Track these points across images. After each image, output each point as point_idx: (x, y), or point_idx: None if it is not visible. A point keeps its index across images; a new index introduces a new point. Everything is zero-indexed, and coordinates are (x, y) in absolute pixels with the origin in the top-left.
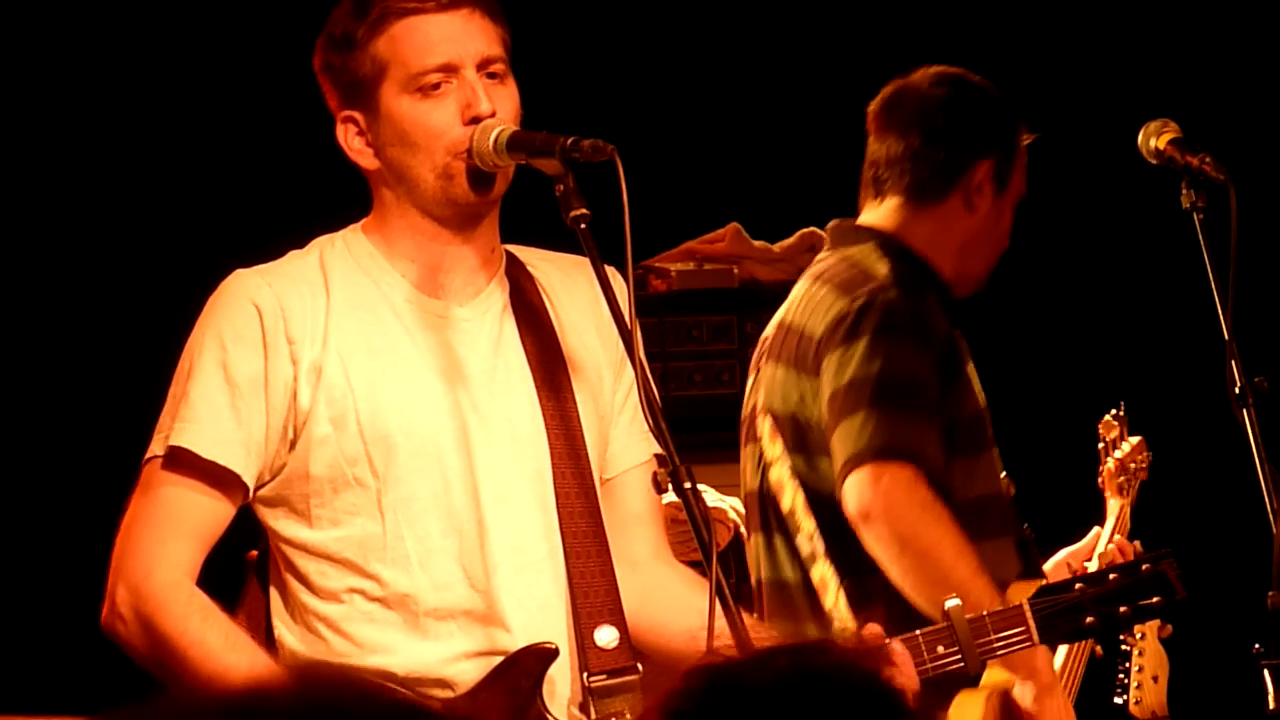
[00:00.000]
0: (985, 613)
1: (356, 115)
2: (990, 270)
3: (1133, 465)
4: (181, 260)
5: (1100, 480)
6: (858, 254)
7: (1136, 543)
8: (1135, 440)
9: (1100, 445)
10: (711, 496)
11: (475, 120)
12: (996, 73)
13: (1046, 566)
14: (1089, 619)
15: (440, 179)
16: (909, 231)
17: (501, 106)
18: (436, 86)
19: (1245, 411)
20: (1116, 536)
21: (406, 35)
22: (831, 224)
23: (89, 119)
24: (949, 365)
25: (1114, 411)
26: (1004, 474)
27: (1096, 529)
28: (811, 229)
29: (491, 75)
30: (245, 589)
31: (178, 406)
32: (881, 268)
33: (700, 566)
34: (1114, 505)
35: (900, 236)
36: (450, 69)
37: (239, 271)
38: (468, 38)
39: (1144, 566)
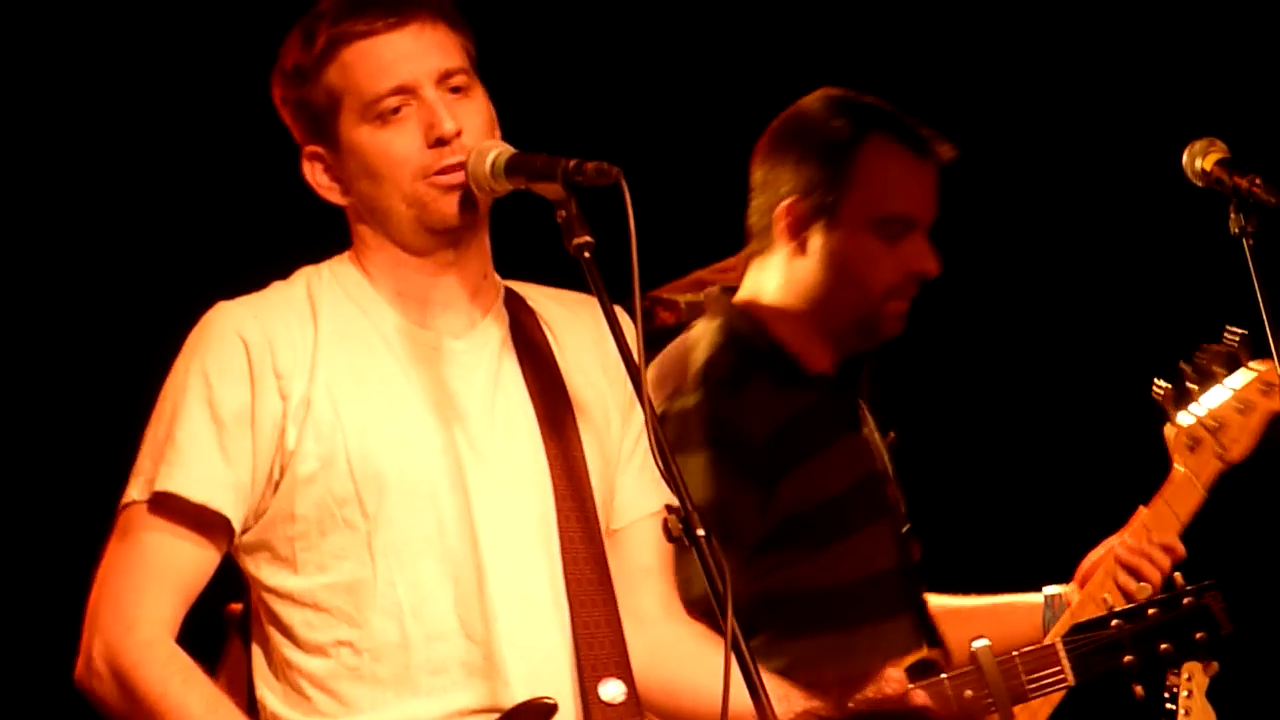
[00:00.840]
0: (1015, 653)
1: (320, 150)
2: (887, 306)
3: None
4: (158, 292)
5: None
6: (696, 334)
7: (1178, 574)
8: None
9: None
10: None
11: (440, 142)
12: (1032, 93)
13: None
14: (1127, 657)
15: (413, 207)
16: (760, 291)
17: (469, 122)
18: (396, 111)
19: None
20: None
21: (357, 61)
22: (712, 290)
23: (66, 144)
24: (785, 455)
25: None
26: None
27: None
28: None
29: (455, 90)
30: (226, 647)
31: (161, 449)
32: (699, 357)
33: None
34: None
35: (750, 301)
36: (406, 90)
37: (222, 304)
38: (421, 54)
39: (1186, 600)
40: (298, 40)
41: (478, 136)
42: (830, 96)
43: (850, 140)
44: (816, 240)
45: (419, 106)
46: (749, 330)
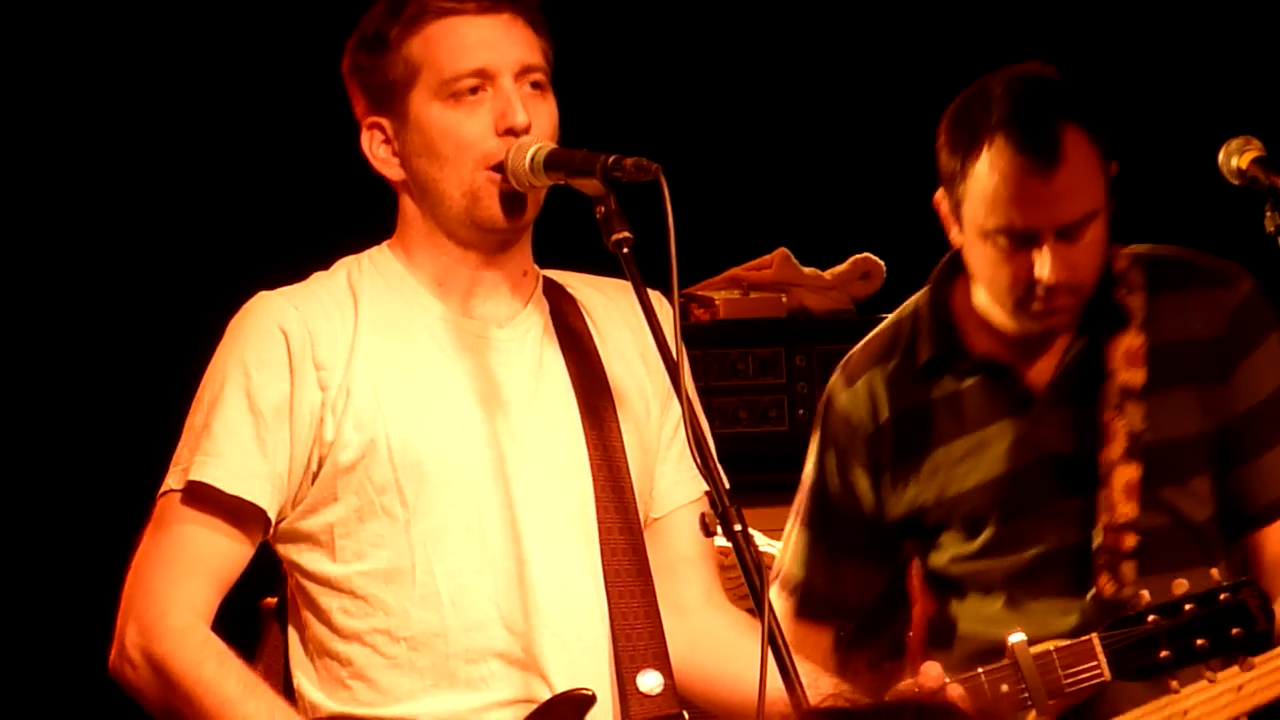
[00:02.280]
0: (1052, 648)
1: (383, 122)
2: (1015, 316)
3: None
4: (200, 282)
5: None
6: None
7: (1214, 570)
8: None
9: None
10: (760, 541)
11: (510, 132)
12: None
13: None
14: (1164, 653)
15: (466, 197)
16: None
17: (539, 121)
18: (473, 92)
19: None
20: None
21: (442, 37)
22: None
23: (108, 135)
24: (897, 448)
25: None
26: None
27: None
28: (865, 255)
29: (534, 85)
30: (264, 638)
31: (198, 438)
32: (871, 333)
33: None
34: None
35: (938, 277)
36: (486, 75)
37: (262, 294)
38: (507, 43)
39: (1222, 596)
40: (384, 8)
41: (544, 138)
42: (987, 79)
43: (971, 142)
44: (959, 239)
45: (494, 94)
46: (923, 309)
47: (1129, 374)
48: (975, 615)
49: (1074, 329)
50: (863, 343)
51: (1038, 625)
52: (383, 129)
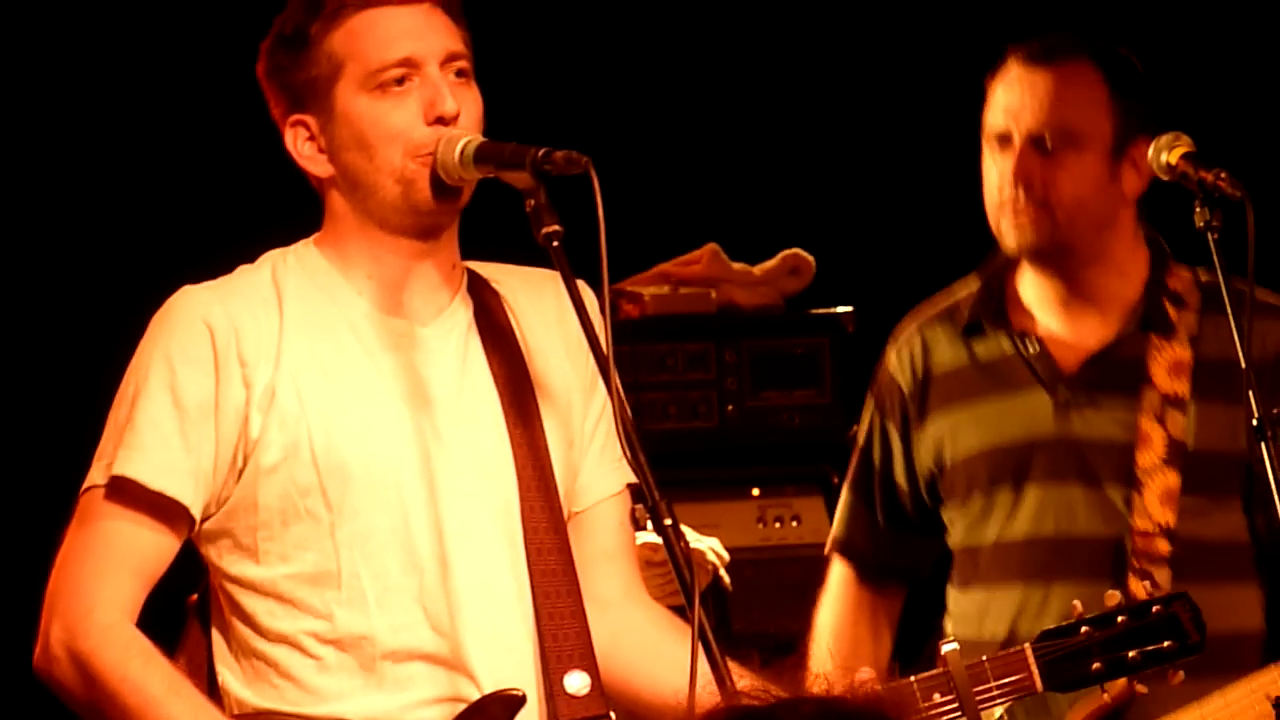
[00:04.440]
0: (985, 658)
1: (307, 119)
2: (1001, 228)
3: None
4: (121, 276)
5: None
6: None
7: (1147, 582)
8: None
9: None
10: (690, 537)
11: (440, 121)
12: None
13: None
14: (1096, 664)
15: (399, 184)
16: None
17: (466, 109)
18: (399, 83)
19: (1264, 445)
20: None
21: (365, 29)
22: None
23: (30, 127)
24: (929, 407)
25: None
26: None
27: None
28: (794, 250)
29: (459, 74)
30: (185, 632)
31: (121, 433)
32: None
33: (682, 612)
34: None
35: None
36: (412, 65)
37: (187, 288)
38: (431, 32)
39: (1155, 609)
40: (301, 5)
41: (471, 126)
42: None
43: (999, 63)
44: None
45: (421, 83)
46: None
47: (1172, 384)
48: (1001, 606)
49: (1116, 325)
50: (917, 308)
51: (1054, 612)
52: (307, 126)
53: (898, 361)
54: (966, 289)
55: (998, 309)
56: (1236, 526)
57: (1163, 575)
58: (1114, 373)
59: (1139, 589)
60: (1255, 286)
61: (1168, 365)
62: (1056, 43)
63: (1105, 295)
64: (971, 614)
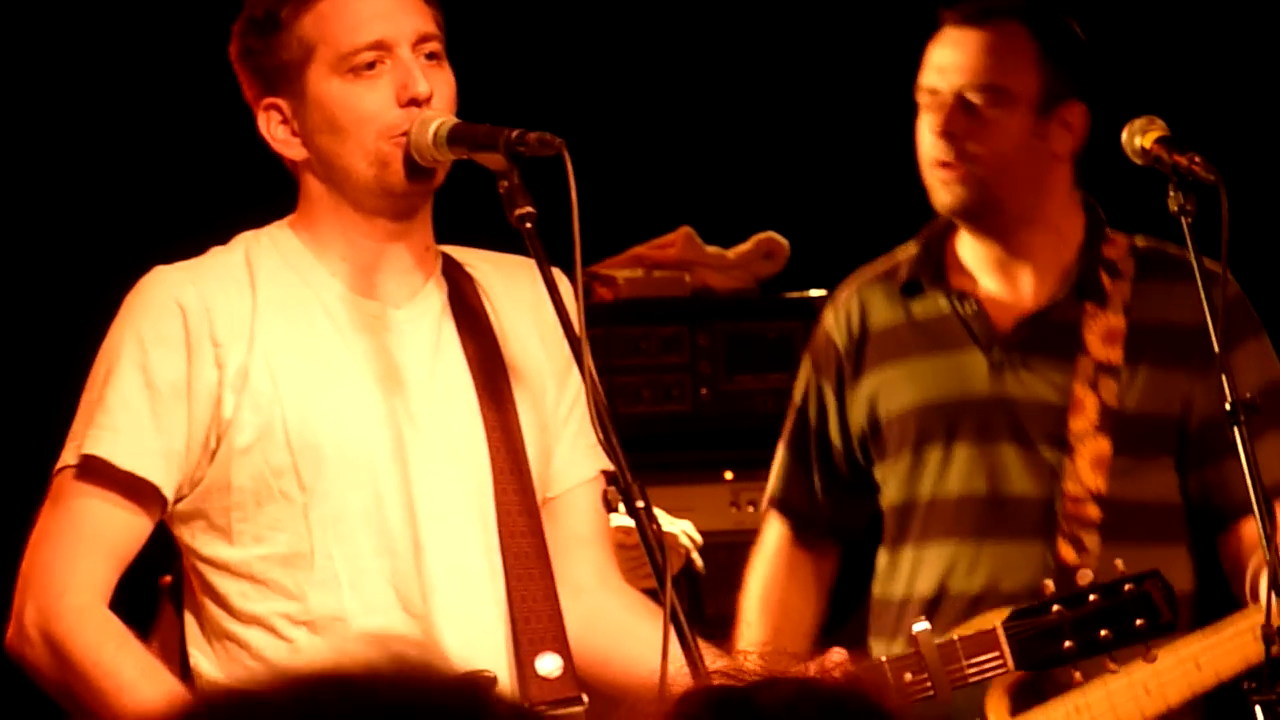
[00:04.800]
0: (956, 637)
1: (280, 103)
2: (931, 184)
3: None
4: (95, 256)
5: None
6: None
7: (1119, 560)
8: None
9: None
10: (663, 520)
11: (413, 102)
12: None
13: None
14: (1068, 643)
15: (374, 166)
16: None
17: (439, 91)
18: (371, 66)
19: (1237, 430)
20: None
21: (335, 12)
22: None
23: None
24: (864, 364)
25: None
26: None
27: None
28: (769, 234)
29: (430, 56)
30: (158, 615)
31: (93, 413)
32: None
33: (655, 595)
34: None
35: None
36: (384, 47)
37: (159, 268)
38: (402, 13)
39: (1127, 587)
40: None
41: (444, 107)
42: None
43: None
44: None
45: (394, 65)
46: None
47: (1106, 351)
48: (931, 565)
49: (1050, 289)
50: (858, 270)
51: (984, 569)
52: (280, 109)
53: (834, 321)
54: (907, 252)
55: (936, 269)
56: (1168, 487)
57: (1091, 540)
58: (1049, 336)
59: (1068, 553)
60: (1213, 263)
61: (1101, 333)
62: (989, 4)
63: (1041, 257)
64: (902, 572)
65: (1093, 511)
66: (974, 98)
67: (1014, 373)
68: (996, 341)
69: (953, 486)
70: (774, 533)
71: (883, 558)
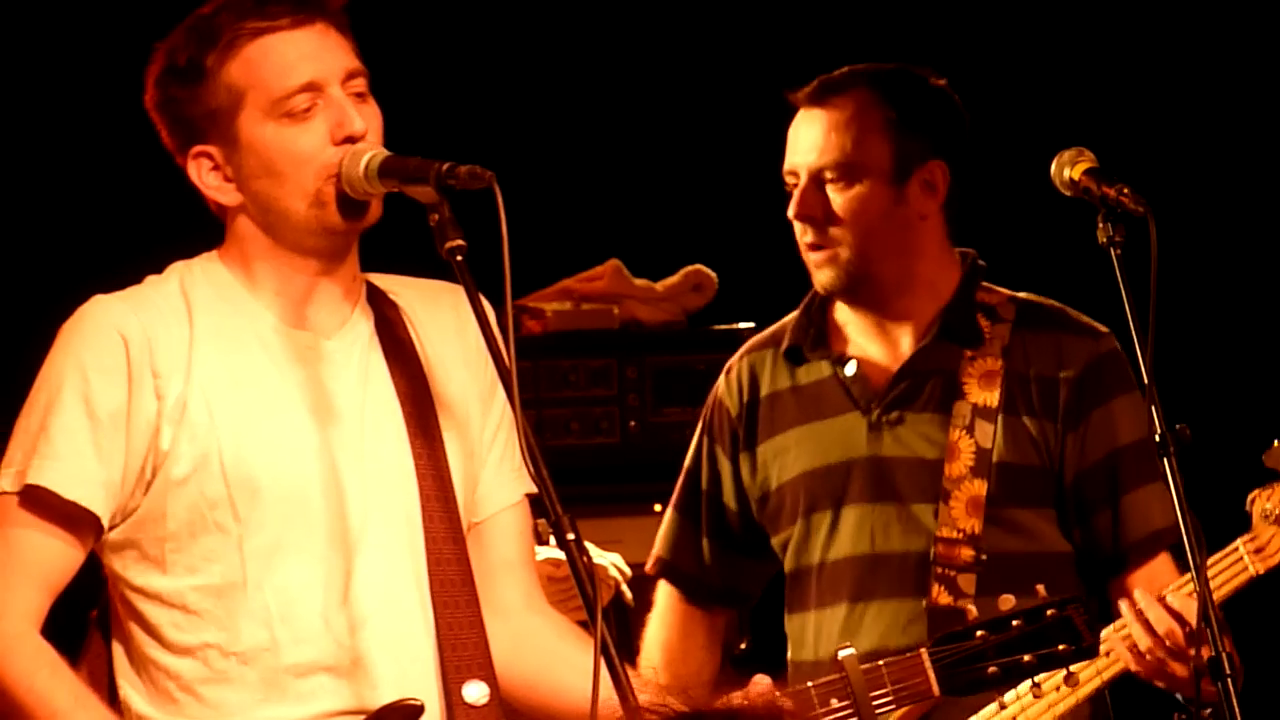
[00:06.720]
0: (881, 662)
1: (211, 150)
2: (807, 263)
3: None
4: (20, 284)
5: None
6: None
7: (1040, 585)
8: None
9: None
10: (593, 552)
11: (349, 140)
12: None
13: None
14: (991, 668)
15: (314, 207)
16: None
17: (370, 125)
18: (307, 110)
19: (1166, 460)
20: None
21: (262, 57)
22: None
23: None
24: (756, 433)
25: None
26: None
27: None
28: (697, 267)
29: (359, 94)
30: (86, 645)
31: (34, 441)
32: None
33: (585, 626)
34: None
35: None
36: (315, 88)
37: (99, 297)
38: (328, 52)
39: (1049, 612)
40: (191, 38)
41: (375, 141)
42: None
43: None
44: None
45: (325, 105)
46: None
47: (983, 394)
48: (828, 629)
49: (923, 338)
50: (751, 338)
51: (873, 629)
52: (211, 156)
53: (726, 387)
54: (794, 317)
55: (817, 334)
56: (1050, 538)
57: (967, 581)
58: (923, 386)
59: (943, 596)
60: (1079, 313)
61: (979, 375)
62: (832, 79)
63: (919, 315)
64: (807, 638)
65: (966, 553)
66: (828, 176)
67: (891, 431)
68: (874, 401)
69: (841, 549)
70: (665, 597)
71: (790, 624)
